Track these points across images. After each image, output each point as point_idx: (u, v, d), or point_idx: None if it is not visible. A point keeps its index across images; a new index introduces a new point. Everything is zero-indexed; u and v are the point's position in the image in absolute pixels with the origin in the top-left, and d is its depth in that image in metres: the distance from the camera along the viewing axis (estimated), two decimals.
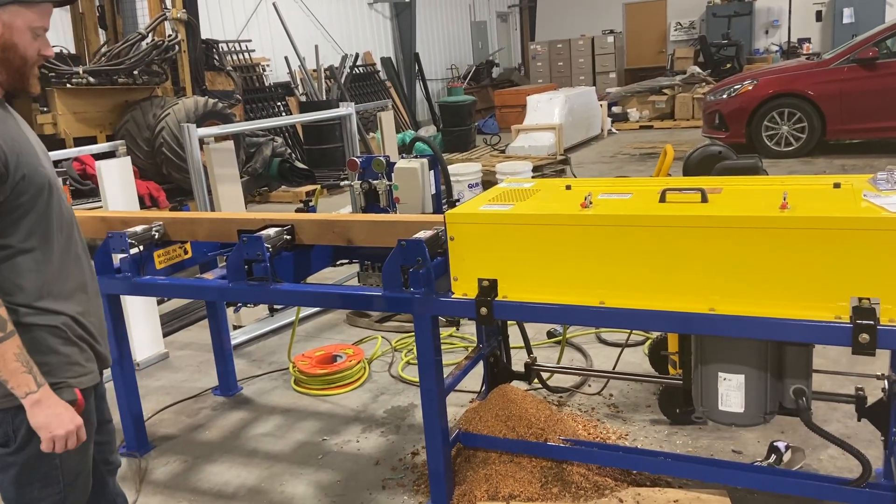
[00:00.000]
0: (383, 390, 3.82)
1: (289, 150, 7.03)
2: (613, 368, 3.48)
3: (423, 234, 2.68)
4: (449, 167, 7.52)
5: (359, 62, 12.78)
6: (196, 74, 6.23)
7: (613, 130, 13.55)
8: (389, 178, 3.17)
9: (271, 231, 2.96)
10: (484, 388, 3.19)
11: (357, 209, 3.33)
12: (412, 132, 11.66)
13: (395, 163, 3.17)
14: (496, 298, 2.49)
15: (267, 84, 11.05)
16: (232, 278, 2.93)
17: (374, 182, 3.20)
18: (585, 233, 2.33)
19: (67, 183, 4.78)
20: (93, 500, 2.15)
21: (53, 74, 5.39)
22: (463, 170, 7.21)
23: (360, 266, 3.35)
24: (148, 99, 5.89)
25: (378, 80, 13.41)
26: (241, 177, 6.80)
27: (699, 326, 2.23)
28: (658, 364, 3.36)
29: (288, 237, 3.00)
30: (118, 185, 4.18)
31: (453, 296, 2.57)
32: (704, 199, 2.31)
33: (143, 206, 5.55)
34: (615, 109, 14.23)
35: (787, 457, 2.79)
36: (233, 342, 4.49)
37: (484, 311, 2.49)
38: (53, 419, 1.78)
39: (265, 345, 4.60)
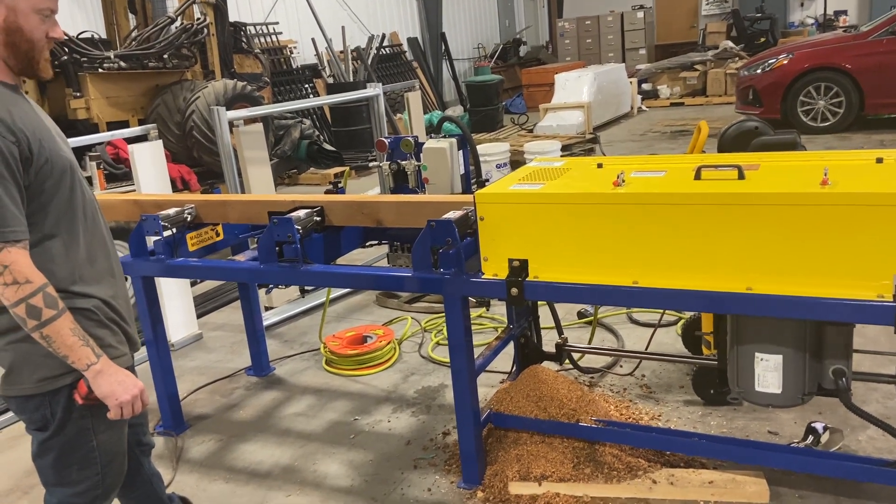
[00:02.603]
0: (413, 371, 3.83)
1: (317, 133, 7.03)
2: (646, 349, 3.45)
3: (452, 215, 2.66)
4: (477, 147, 7.49)
5: (385, 43, 12.72)
6: (225, 57, 6.24)
7: (643, 108, 13.35)
8: (418, 159, 3.16)
9: (301, 213, 2.97)
10: (515, 368, 3.18)
11: (385, 190, 3.32)
12: (439, 112, 11.60)
13: (423, 143, 3.15)
14: (527, 279, 2.46)
15: (294, 66, 11.06)
16: (263, 260, 2.94)
17: (403, 163, 3.18)
18: (618, 212, 2.30)
19: (101, 167, 4.83)
20: (129, 480, 2.19)
21: (86, 59, 5.44)
22: (491, 150, 7.16)
23: (390, 247, 3.34)
24: (178, 82, 5.92)
25: (405, 61, 13.35)
26: (271, 159, 6.84)
27: (736, 306, 2.18)
28: (691, 344, 3.32)
29: (318, 219, 3.01)
30: (150, 169, 4.22)
31: (483, 276, 2.55)
32: (741, 176, 2.25)
33: (175, 189, 5.61)
34: (645, 86, 14.02)
35: (824, 438, 2.74)
36: (265, 323, 4.54)
37: (514, 291, 2.48)
38: (117, 386, 1.81)
39: (296, 325, 4.64)
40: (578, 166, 2.79)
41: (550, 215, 2.40)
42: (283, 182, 9.08)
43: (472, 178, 3.17)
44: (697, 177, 2.31)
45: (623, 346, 3.82)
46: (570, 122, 10.51)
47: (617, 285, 2.33)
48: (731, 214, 2.13)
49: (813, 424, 2.71)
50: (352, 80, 10.16)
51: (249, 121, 4.72)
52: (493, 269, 2.54)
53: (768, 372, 2.39)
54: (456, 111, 12.89)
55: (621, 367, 3.59)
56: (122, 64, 5.49)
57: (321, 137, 7.07)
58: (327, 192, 3.24)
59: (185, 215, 3.29)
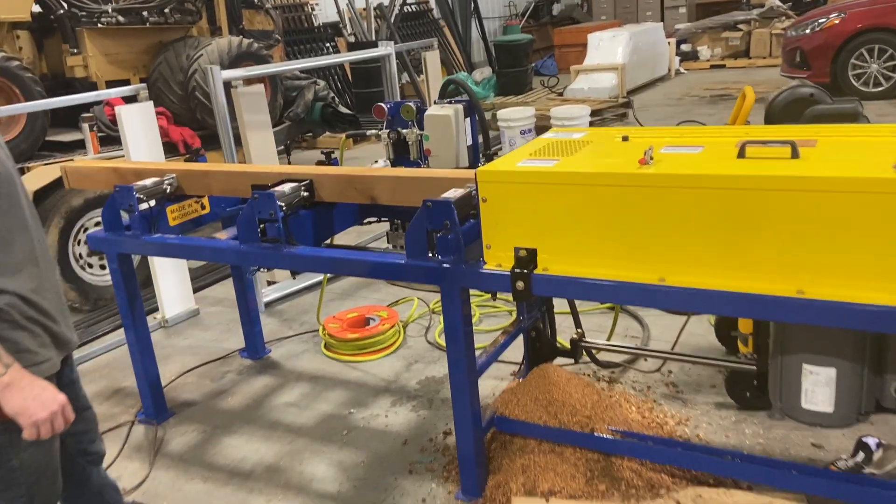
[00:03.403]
0: (418, 358, 3.52)
1: (332, 94, 6.67)
2: (674, 345, 3.09)
3: (452, 194, 2.32)
4: (500, 112, 7.06)
5: (411, 0, 12.23)
6: (233, 13, 5.88)
7: (682, 70, 12.70)
8: (421, 127, 2.80)
9: (286, 187, 2.64)
10: (524, 366, 2.85)
11: (387, 162, 2.97)
12: (465, 74, 11.13)
13: (426, 109, 2.79)
14: (535, 271, 2.12)
15: (315, 24, 10.65)
16: (243, 239, 2.64)
17: (404, 131, 2.83)
18: (644, 196, 1.93)
19: (95, 129, 4.54)
20: (74, 495, 1.93)
21: (84, 14, 5.13)
22: (515, 115, 6.74)
23: (391, 225, 3.01)
24: (181, 39, 5.59)
25: (431, 19, 12.84)
26: (282, 122, 6.51)
27: (783, 312, 1.82)
28: (726, 339, 2.95)
29: (305, 194, 2.68)
30: (141, 132, 3.91)
31: (485, 266, 2.21)
32: (795, 155, 1.86)
33: (177, 153, 5.32)
34: (684, 47, 13.33)
35: (877, 455, 2.37)
36: (265, 299, 4.26)
37: (520, 285, 2.13)
38: (31, 402, 1.52)
39: (299, 302, 4.35)
40: (600, 139, 2.41)
41: (564, 198, 2.04)
42: (301, 146, 8.76)
43: (481, 151, 2.80)
44: (741, 155, 1.93)
45: (649, 337, 3.46)
46: (603, 85, 9.98)
47: (641, 283, 1.97)
48: (782, 202, 1.75)
49: (864, 439, 2.34)
50: (373, 38, 9.74)
51: (251, 81, 4.38)
52: (497, 258, 2.20)
53: (818, 387, 2.02)
54: (484, 72, 12.38)
55: (646, 360, 3.23)
56: (121, 19, 5.16)
57: (336, 99, 6.70)
58: (319, 163, 2.91)
59: (165, 186, 2.99)
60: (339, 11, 10.15)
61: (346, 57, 5.59)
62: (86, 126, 4.42)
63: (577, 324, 2.83)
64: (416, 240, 2.32)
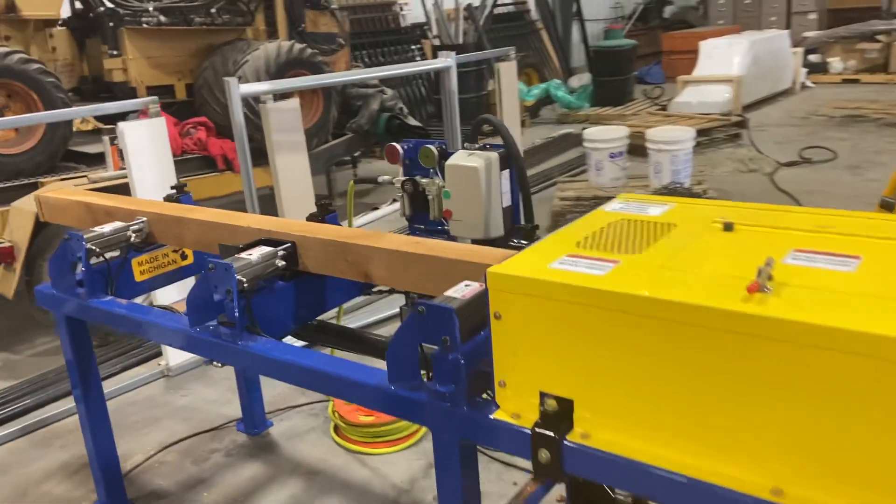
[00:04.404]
0: None
1: (400, 104, 6.02)
2: None
3: (460, 292, 1.59)
4: (587, 131, 6.19)
5: (507, 0, 11.45)
6: (292, 14, 5.33)
7: (808, 84, 11.32)
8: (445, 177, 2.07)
9: (257, 254, 1.98)
10: None
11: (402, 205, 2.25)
12: (558, 81, 10.26)
13: (453, 153, 2.05)
14: (569, 437, 1.35)
15: (403, 25, 10.06)
16: (193, 321, 1.98)
17: (423, 181, 2.11)
18: (760, 352, 1.13)
19: (116, 143, 4.06)
20: None
21: (125, 12, 4.68)
22: (604, 135, 5.87)
23: (406, 298, 2.29)
24: (231, 43, 5.07)
25: (527, 21, 11.99)
26: (343, 134, 5.92)
27: None
28: None
29: (282, 263, 2.00)
30: (147, 153, 3.37)
31: (497, 413, 1.46)
32: None
33: (215, 168, 4.81)
34: (812, 58, 11.90)
35: None
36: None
37: (545, 455, 1.38)
38: None
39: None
40: (689, 223, 1.60)
41: (621, 332, 1.27)
42: (374, 154, 8.17)
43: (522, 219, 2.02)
44: None
45: None
46: (714, 98, 8.89)
47: (743, 493, 1.17)
48: None
49: None
50: (461, 42, 9.05)
51: (282, 95, 3.77)
52: (514, 403, 1.45)
53: None
54: (582, 79, 11.43)
55: None
56: (163, 19, 4.68)
57: (404, 110, 6.04)
58: (310, 217, 2.22)
59: (130, 234, 2.39)
60: (425, 12, 9.51)
61: (399, 70, 4.94)
62: (106, 139, 3.93)
63: None
64: (401, 356, 1.60)
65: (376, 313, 3.98)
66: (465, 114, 9.03)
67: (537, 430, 1.39)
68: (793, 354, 1.11)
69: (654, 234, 1.54)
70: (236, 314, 1.88)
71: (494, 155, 1.98)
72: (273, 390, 3.30)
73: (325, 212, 2.22)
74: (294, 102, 3.75)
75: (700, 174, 6.29)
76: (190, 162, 4.67)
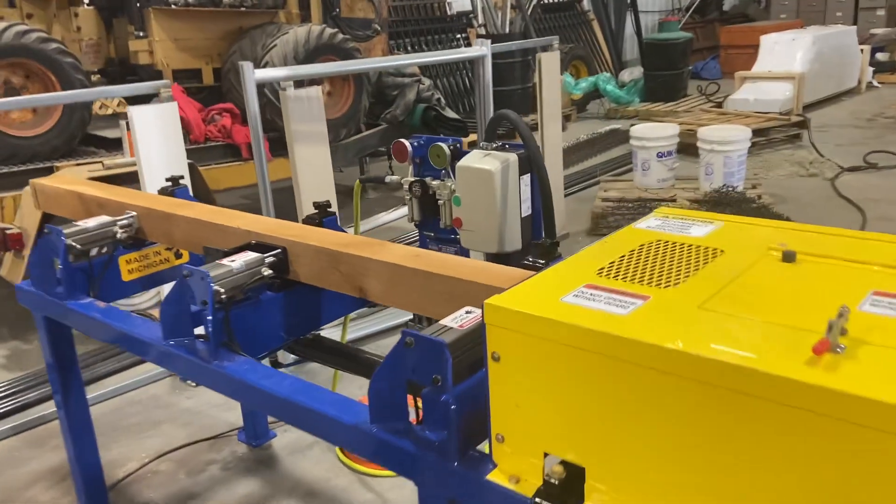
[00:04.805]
0: None
1: (437, 95, 5.76)
2: None
3: (458, 319, 1.34)
4: (634, 128, 5.84)
5: None
6: None
7: (875, 83, 10.68)
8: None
9: (240, 260, 1.75)
10: None
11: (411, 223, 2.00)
12: (607, 75, 9.86)
13: (467, 152, 1.79)
14: None
15: (449, 14, 9.78)
16: (167, 333, 1.77)
17: (433, 183, 1.85)
18: (823, 432, 0.85)
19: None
20: None
21: None
22: (651, 132, 5.51)
23: (413, 314, 2.04)
24: (261, 26, 4.87)
25: (579, 12, 11.59)
26: (377, 124, 5.69)
27: None
28: None
29: (268, 272, 1.77)
30: (157, 139, 3.18)
31: (492, 473, 1.21)
32: None
33: (239, 157, 4.63)
34: (880, 56, 11.24)
35: None
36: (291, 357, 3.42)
37: None
38: None
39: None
40: (740, 249, 1.31)
41: (644, 390, 1.00)
42: None
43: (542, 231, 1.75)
44: None
45: None
46: (773, 96, 8.40)
47: None
48: None
49: None
50: (507, 31, 8.74)
51: (302, 82, 3.55)
52: (513, 463, 1.20)
53: None
54: (634, 73, 11.00)
55: None
56: (190, 0, 4.50)
57: (442, 101, 5.78)
58: (307, 220, 1.98)
59: (116, 230, 2.19)
60: (471, 0, 9.22)
61: (430, 57, 4.66)
62: (123, 123, 3.77)
63: None
64: (384, 394, 1.35)
65: (389, 320, 3.74)
66: (508, 106, 8.76)
67: (539, 500, 1.13)
68: (872, 443, 0.83)
69: (696, 262, 1.26)
70: (210, 329, 1.65)
71: (513, 157, 1.71)
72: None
73: (323, 214, 1.98)
74: (316, 90, 3.53)
75: (754, 177, 5.89)
76: (213, 150, 4.50)
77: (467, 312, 1.39)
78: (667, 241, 1.36)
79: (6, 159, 3.85)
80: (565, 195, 5.43)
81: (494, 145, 1.75)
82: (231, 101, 4.72)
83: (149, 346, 1.81)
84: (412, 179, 1.90)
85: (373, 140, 5.57)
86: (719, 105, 8.98)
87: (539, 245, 1.52)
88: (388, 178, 1.98)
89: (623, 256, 1.31)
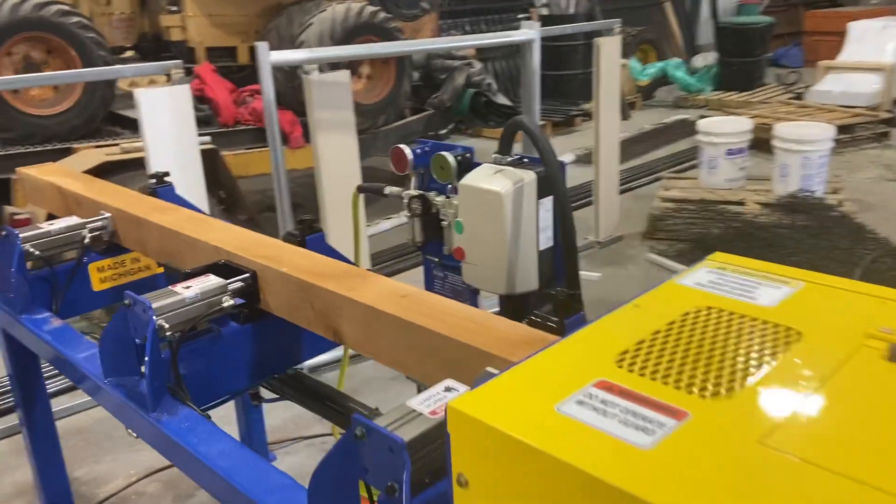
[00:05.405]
0: None
1: (488, 80, 5.37)
2: None
3: (431, 401, 1.02)
4: (702, 122, 5.33)
5: None
6: None
7: None
8: None
9: (195, 287, 1.45)
10: None
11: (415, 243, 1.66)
12: (677, 61, 9.25)
13: (479, 164, 1.43)
14: None
15: None
16: (107, 369, 1.49)
17: (437, 199, 1.51)
18: None
19: None
20: None
21: None
22: (721, 126, 5.02)
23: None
24: (299, 3, 4.58)
25: None
26: (424, 109, 5.37)
27: None
28: None
29: (229, 303, 1.47)
30: (167, 124, 2.93)
31: None
32: None
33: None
34: None
35: None
36: (308, 361, 3.15)
37: None
38: None
39: (358, 371, 3.20)
40: (825, 332, 0.92)
41: None
42: (465, 132, 7.57)
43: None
44: None
45: None
46: (860, 89, 7.69)
47: None
48: None
49: None
50: (571, 12, 8.26)
51: (330, 65, 3.23)
52: None
53: None
54: (708, 58, 10.32)
55: None
56: None
57: (493, 86, 5.39)
58: (287, 237, 1.66)
59: (85, 234, 1.93)
60: None
61: (472, 41, 4.25)
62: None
63: None
64: (326, 494, 1.03)
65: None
66: (566, 93, 8.29)
67: None
68: None
69: (760, 353, 0.88)
70: (147, 372, 1.36)
71: (530, 175, 1.35)
72: (285, 412, 2.82)
73: (307, 231, 1.65)
74: (344, 75, 3.21)
75: (836, 180, 5.31)
76: (243, 134, 4.24)
77: (447, 390, 1.05)
78: (720, 312, 0.99)
79: (24, 139, 3.67)
80: (621, 192, 4.99)
81: (509, 159, 1.39)
82: None
83: (87, 380, 1.53)
84: (413, 193, 1.56)
85: (417, 126, 5.24)
86: (799, 97, 8.30)
87: (551, 297, 1.17)
88: (387, 190, 1.65)
89: (657, 333, 0.94)
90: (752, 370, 0.85)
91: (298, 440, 2.74)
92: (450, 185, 1.53)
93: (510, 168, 1.37)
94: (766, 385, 0.82)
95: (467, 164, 1.49)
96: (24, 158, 3.65)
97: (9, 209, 3.36)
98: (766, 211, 4.62)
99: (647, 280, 4.08)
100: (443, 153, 1.48)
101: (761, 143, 5.79)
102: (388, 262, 4.17)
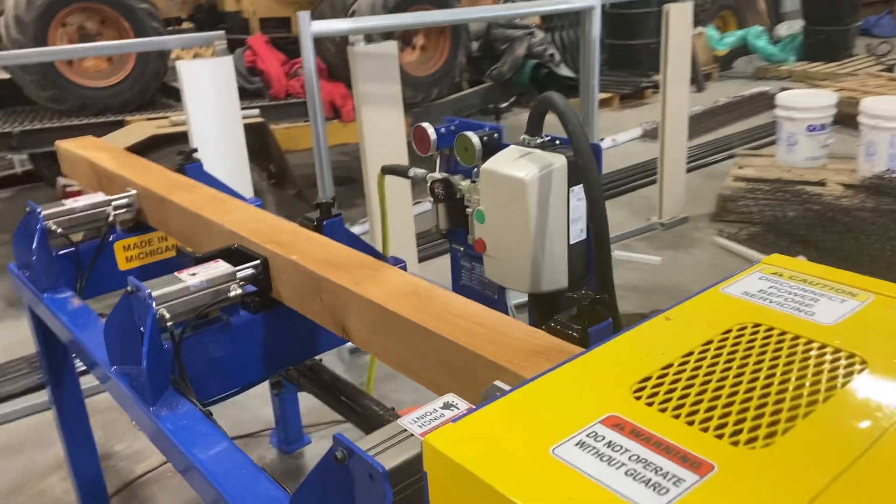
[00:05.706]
0: None
1: (551, 51, 5.14)
2: None
3: (427, 420, 0.90)
4: (781, 95, 4.96)
5: None
6: None
7: None
8: None
9: (201, 275, 1.36)
10: None
11: (439, 229, 1.53)
12: (758, 28, 8.70)
13: (507, 145, 1.28)
14: None
15: None
16: (113, 358, 1.42)
17: (462, 184, 1.37)
18: None
19: None
20: None
21: None
22: (802, 101, 4.65)
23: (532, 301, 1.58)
24: None
25: None
26: (482, 82, 5.19)
27: None
28: None
29: (236, 292, 1.38)
30: (209, 97, 2.87)
31: None
32: None
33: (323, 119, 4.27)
34: None
35: None
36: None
37: None
38: None
39: None
40: (893, 360, 0.75)
41: None
42: (528, 106, 7.32)
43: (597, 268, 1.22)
44: None
45: None
46: None
47: None
48: None
49: None
50: None
51: (372, 36, 3.10)
52: None
53: None
54: (793, 27, 9.70)
55: None
56: None
57: (555, 57, 5.15)
58: (303, 221, 1.55)
59: (110, 211, 1.88)
60: None
61: (526, 9, 4.00)
62: None
63: None
64: None
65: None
66: (639, 63, 7.92)
67: None
68: None
69: (812, 388, 0.72)
70: (144, 365, 1.28)
71: (560, 160, 1.19)
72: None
73: (325, 215, 1.54)
74: (390, 45, 3.08)
75: None
76: (294, 107, 4.16)
77: (445, 407, 0.92)
78: (769, 332, 0.83)
79: (77, 111, 3.69)
80: (689, 169, 4.71)
81: (538, 141, 1.23)
82: (318, 55, 4.35)
83: (97, 367, 1.47)
84: (436, 177, 1.42)
85: (474, 99, 5.08)
86: (890, 69, 7.69)
87: (577, 300, 1.02)
88: (412, 172, 1.52)
89: (688, 356, 0.79)
90: (800, 410, 0.69)
91: (332, 424, 2.67)
92: (475, 169, 1.38)
93: (538, 151, 1.22)
94: (817, 431, 0.66)
95: (493, 144, 1.34)
96: (80, 130, 3.67)
97: (61, 180, 3.39)
98: (848, 193, 4.27)
99: (713, 266, 3.83)
100: (466, 133, 1.34)
101: (847, 119, 5.36)
102: (426, 244, 3.88)
